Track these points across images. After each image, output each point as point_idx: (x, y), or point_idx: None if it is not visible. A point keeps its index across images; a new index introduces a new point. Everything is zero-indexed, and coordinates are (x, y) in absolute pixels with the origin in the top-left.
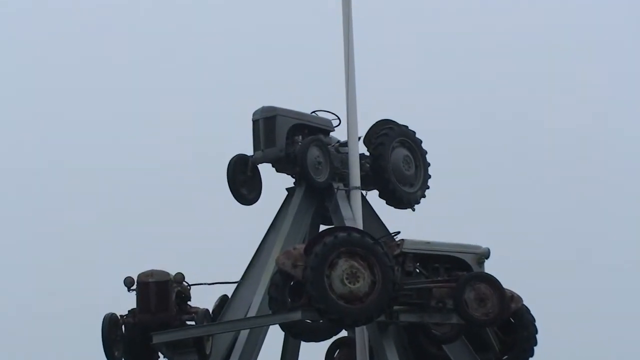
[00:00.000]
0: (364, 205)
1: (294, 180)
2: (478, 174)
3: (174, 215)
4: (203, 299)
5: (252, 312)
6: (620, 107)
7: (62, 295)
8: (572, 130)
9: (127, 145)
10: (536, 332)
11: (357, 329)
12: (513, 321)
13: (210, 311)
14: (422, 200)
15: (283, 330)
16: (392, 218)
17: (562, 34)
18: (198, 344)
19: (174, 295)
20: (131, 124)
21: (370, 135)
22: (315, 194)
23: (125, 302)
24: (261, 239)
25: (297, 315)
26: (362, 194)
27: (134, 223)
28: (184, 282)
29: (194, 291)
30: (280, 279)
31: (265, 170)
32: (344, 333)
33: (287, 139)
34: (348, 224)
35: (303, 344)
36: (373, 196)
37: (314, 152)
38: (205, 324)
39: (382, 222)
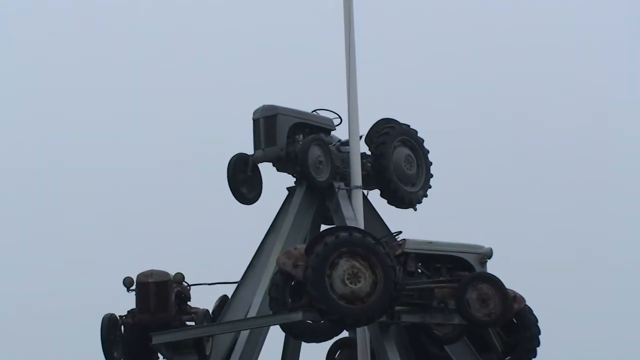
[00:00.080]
0: (365, 204)
1: (294, 179)
2: (478, 174)
3: (174, 215)
4: (203, 300)
5: (253, 313)
6: (620, 107)
7: (62, 295)
8: (572, 130)
9: (127, 145)
10: (539, 332)
11: (358, 330)
12: (515, 322)
13: (210, 312)
14: (424, 199)
15: (284, 331)
16: (394, 218)
17: (562, 34)
18: (198, 344)
19: (173, 296)
20: (131, 124)
21: (372, 134)
22: (316, 194)
23: (125, 303)
24: (261, 238)
25: (297, 316)
26: (363, 193)
27: (134, 223)
28: (184, 283)
29: (193, 291)
30: (281, 279)
31: (266, 169)
32: (345, 334)
33: (287, 138)
34: (349, 223)
35: (304, 345)
36: (374, 196)
37: (315, 151)
38: (205, 324)
39: (383, 221)
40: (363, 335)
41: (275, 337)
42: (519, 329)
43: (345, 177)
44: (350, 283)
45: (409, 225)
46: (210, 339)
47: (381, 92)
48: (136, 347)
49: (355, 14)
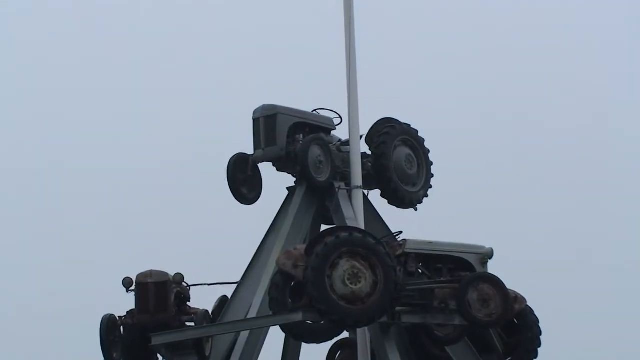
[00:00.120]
0: (365, 204)
1: (294, 179)
2: (478, 174)
3: (174, 215)
4: (202, 300)
5: (253, 313)
6: (620, 107)
7: (62, 295)
8: (572, 130)
9: (127, 145)
10: (540, 333)
11: (358, 330)
12: (517, 322)
13: (210, 312)
14: (425, 199)
15: (284, 332)
16: (394, 218)
17: (562, 34)
18: (197, 345)
19: (173, 296)
20: (131, 124)
21: (372, 134)
22: (316, 194)
23: (125, 303)
24: (261, 239)
25: (298, 317)
26: (363, 193)
27: (134, 223)
28: (183, 283)
29: (193, 292)
30: (281, 279)
31: (266, 169)
32: (345, 334)
33: (287, 137)
34: (349, 223)
35: (304, 346)
36: (375, 195)
37: (315, 151)
38: (204, 325)
39: (384, 222)
40: (363, 336)
41: (275, 338)
42: (520, 330)
43: (346, 177)
44: (351, 283)
45: (410, 225)
46: (210, 339)
47: (381, 91)
48: (135, 347)
49: (355, 13)
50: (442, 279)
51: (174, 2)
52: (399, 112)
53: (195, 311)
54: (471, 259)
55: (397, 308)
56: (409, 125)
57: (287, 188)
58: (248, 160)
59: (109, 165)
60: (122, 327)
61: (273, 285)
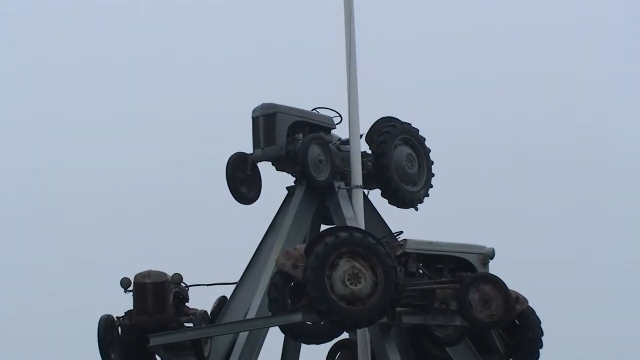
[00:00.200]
0: (365, 204)
1: (294, 179)
2: (478, 174)
3: (174, 215)
4: (201, 300)
5: (252, 314)
6: (620, 107)
7: (62, 295)
8: (572, 130)
9: (127, 145)
10: (542, 334)
11: (358, 331)
12: (518, 323)
13: (209, 313)
14: (426, 199)
15: (283, 333)
16: (395, 217)
17: (562, 34)
18: (196, 346)
19: (171, 297)
20: (131, 124)
21: (373, 133)
22: (316, 193)
23: (125, 303)
24: (261, 239)
25: (297, 317)
26: (363, 193)
27: (134, 223)
28: (182, 283)
29: (192, 292)
30: (280, 279)
31: (265, 168)
32: (345, 335)
33: (287, 136)
34: (349, 223)
35: (303, 347)
36: (375, 195)
37: (314, 150)
38: (203, 325)
39: (384, 221)
40: (363, 336)
41: (274, 339)
42: (522, 331)
43: (346, 177)
44: (351, 284)
45: (410, 225)
46: (209, 340)
47: (381, 90)
48: (133, 348)
49: (355, 12)
50: (442, 279)
51: (174, 2)
52: (399, 111)
53: (194, 312)
54: (472, 259)
55: (398, 309)
56: (410, 124)
57: (287, 187)
58: (247, 160)
59: (109, 165)
60: (120, 328)
61: (272, 286)
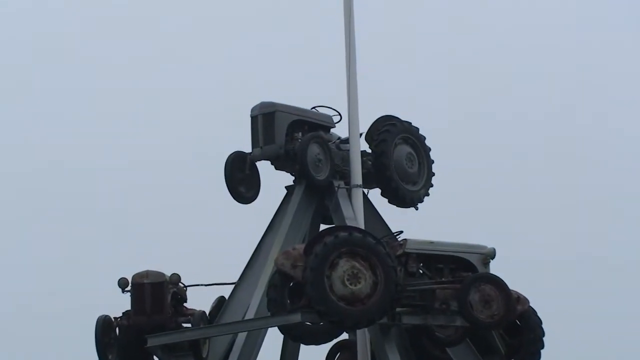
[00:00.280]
0: (365, 204)
1: (293, 178)
2: (479, 174)
3: (172, 215)
4: (199, 301)
5: (250, 314)
6: (620, 107)
7: (62, 295)
8: (572, 130)
9: (127, 145)
10: (543, 334)
11: (358, 332)
12: (519, 323)
13: (207, 313)
14: (426, 198)
15: (282, 333)
16: (395, 217)
17: (562, 33)
18: (194, 347)
19: (169, 297)
20: (131, 124)
21: (372, 132)
22: (315, 193)
23: (125, 303)
24: (259, 238)
25: (296, 318)
26: (363, 192)
27: (134, 223)
28: (180, 283)
29: (190, 292)
30: (279, 279)
31: (264, 167)
32: (345, 336)
33: (286, 135)
34: (349, 223)
35: (303, 347)
36: (375, 194)
37: (314, 149)
38: (201, 326)
39: (384, 221)
40: (363, 337)
41: (273, 339)
42: (523, 331)
43: (345, 176)
44: (350, 284)
45: (410, 224)
46: (207, 341)
47: (381, 89)
48: (131, 349)
49: (355, 11)
50: (443, 279)
51: (174, 1)
52: (399, 109)
53: (192, 312)
54: (473, 259)
55: (398, 309)
56: (410, 123)
57: (286, 187)
58: (246, 159)
59: (109, 165)
60: (117, 329)
61: (271, 286)
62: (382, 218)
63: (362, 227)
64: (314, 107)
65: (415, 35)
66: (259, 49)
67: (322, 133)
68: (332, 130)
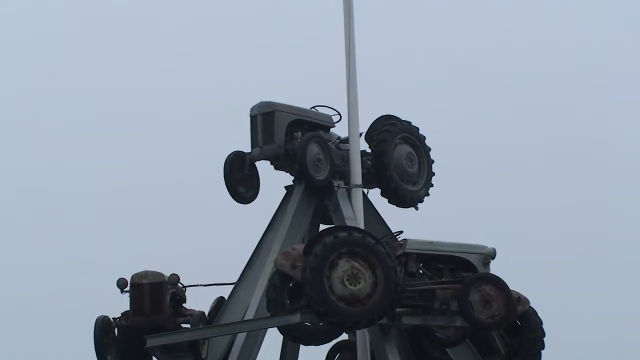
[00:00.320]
0: (365, 204)
1: (292, 178)
2: (479, 174)
3: (171, 215)
4: (199, 301)
5: (250, 315)
6: (620, 107)
7: (62, 295)
8: (572, 129)
9: (127, 145)
10: (543, 335)
11: (358, 332)
12: (520, 324)
13: (206, 314)
14: (426, 198)
15: (281, 334)
16: (395, 217)
17: (562, 33)
18: (193, 347)
19: (168, 297)
20: (131, 124)
21: (372, 132)
22: (315, 192)
23: (125, 303)
24: (259, 238)
25: (296, 318)
26: (363, 192)
27: (133, 223)
28: (179, 284)
29: (189, 293)
30: (279, 280)
31: (263, 167)
32: (344, 336)
33: (285, 135)
34: (349, 223)
35: (302, 348)
36: (375, 194)
37: (313, 149)
38: (200, 327)
39: (384, 221)
40: (363, 337)
41: (272, 340)
42: (523, 332)
43: (345, 176)
44: (350, 284)
45: (410, 224)
46: (206, 341)
47: (381, 88)
48: (130, 350)
49: (355, 10)
50: (443, 279)
51: (174, 2)
52: (399, 109)
53: (191, 312)
54: (473, 259)
55: (398, 309)
56: (410, 122)
57: (285, 187)
58: (245, 159)
59: (109, 165)
60: (116, 329)
61: (271, 286)
62: (382, 218)
63: (362, 227)
64: (313, 107)
65: (415, 35)
66: (259, 49)
67: (321, 133)
68: (331, 130)
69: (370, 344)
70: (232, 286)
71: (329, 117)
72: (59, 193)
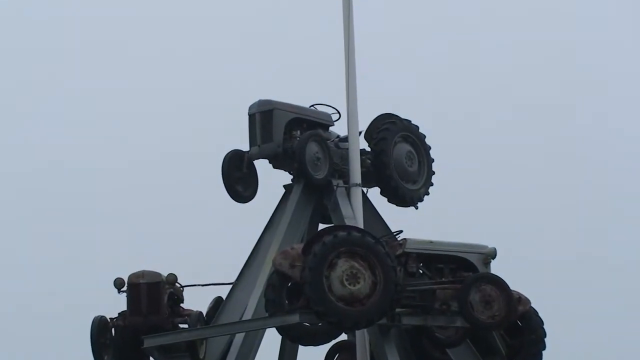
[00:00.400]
0: (364, 203)
1: (291, 177)
2: (479, 173)
3: (170, 215)
4: (196, 301)
5: (248, 315)
6: (621, 107)
7: (62, 295)
8: (571, 129)
9: (127, 145)
10: (544, 335)
11: (357, 333)
12: (520, 324)
13: (204, 314)
14: (426, 197)
15: (280, 334)
16: (394, 216)
17: (562, 33)
18: (191, 348)
19: (166, 297)
20: (131, 124)
21: (372, 130)
22: (314, 191)
23: (124, 303)
24: (257, 238)
25: (294, 318)
26: (362, 191)
27: (133, 223)
28: (177, 283)
29: (187, 293)
30: (277, 280)
31: (262, 166)
32: (343, 336)
33: (284, 133)
34: (348, 222)
35: (301, 348)
36: (374, 193)
37: (312, 148)
38: (198, 327)
39: (383, 220)
40: (362, 338)
41: (271, 340)
42: (524, 332)
43: (344, 175)
44: (349, 284)
45: (410, 224)
46: (204, 342)
47: (381, 87)
48: (127, 350)
49: (354, 9)
50: (443, 279)
51: (174, 2)
52: (399, 107)
53: (189, 313)
54: (473, 259)
55: (397, 309)
56: (410, 121)
57: (284, 186)
58: (243, 157)
59: (109, 165)
60: (113, 329)
61: (269, 286)
62: (381, 217)
63: (361, 226)
64: (312, 105)
65: (415, 36)
66: (259, 48)
67: (320, 131)
68: (331, 128)
69: (370, 344)
70: (230, 286)
71: (328, 115)
72: (59, 193)
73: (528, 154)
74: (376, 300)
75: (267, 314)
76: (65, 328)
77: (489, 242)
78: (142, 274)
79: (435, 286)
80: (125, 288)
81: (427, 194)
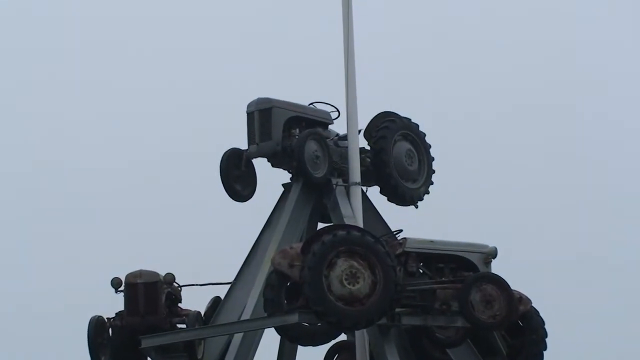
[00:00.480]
0: (364, 201)
1: (290, 175)
2: (481, 171)
3: (169, 214)
4: (194, 301)
5: (247, 315)
6: (621, 107)
7: (62, 295)
8: (572, 130)
9: (127, 145)
10: (545, 335)
11: (357, 333)
12: (521, 324)
13: (202, 313)
14: (426, 196)
15: (279, 334)
16: (394, 215)
17: (562, 33)
18: (189, 348)
19: (163, 297)
20: (131, 123)
21: (371, 128)
22: (313, 190)
23: (120, 303)
24: (256, 237)
25: (293, 318)
26: (362, 190)
27: (133, 223)
28: (175, 283)
29: (185, 292)
30: (276, 279)
31: (261, 165)
32: (343, 337)
33: (283, 132)
34: (347, 221)
35: (300, 348)
36: (374, 192)
37: (311, 146)
38: (196, 327)
39: (383, 219)
40: (362, 338)
41: (270, 340)
42: (525, 332)
43: (344, 173)
44: (349, 284)
45: (410, 223)
46: (202, 342)
47: (380, 85)
48: (125, 350)
49: (354, 6)
50: (443, 279)
51: (174, 2)
52: (399, 106)
53: (187, 312)
54: (474, 258)
55: (397, 309)
56: (409, 119)
57: (283, 184)
58: (242, 156)
59: (109, 165)
60: (110, 329)
61: (268, 286)
62: (381, 216)
63: (361, 225)
64: (311, 103)
65: (415, 30)
66: (259, 49)
67: (320, 129)
68: (330, 126)
69: (370, 344)
70: (229, 286)
71: (328, 113)
72: (59, 193)
73: (528, 153)
74: (376, 300)
75: (265, 314)
76: (65, 328)
77: (489, 242)
78: (139, 273)
79: (435, 286)
80: (122, 288)
81: (427, 192)
